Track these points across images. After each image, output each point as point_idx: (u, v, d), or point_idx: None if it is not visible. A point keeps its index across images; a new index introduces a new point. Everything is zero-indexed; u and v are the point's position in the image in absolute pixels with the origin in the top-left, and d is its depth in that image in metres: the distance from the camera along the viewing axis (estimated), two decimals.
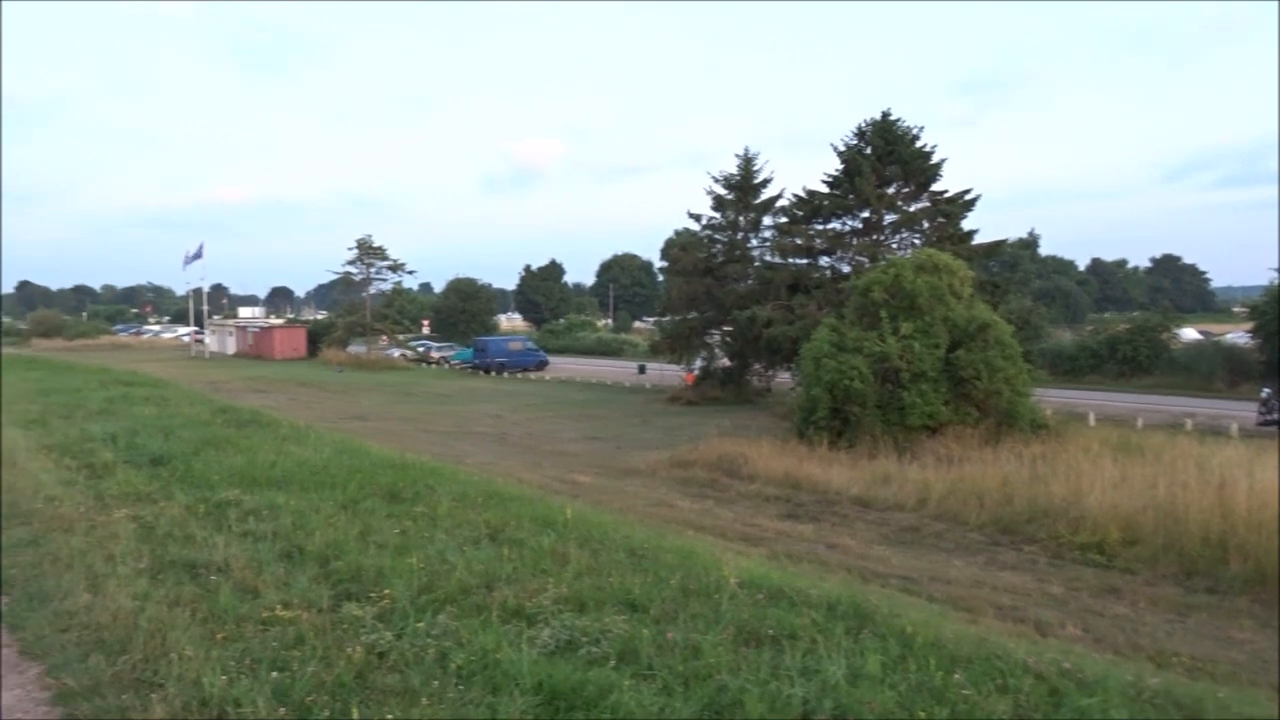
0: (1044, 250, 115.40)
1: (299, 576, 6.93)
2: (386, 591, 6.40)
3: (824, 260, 37.08)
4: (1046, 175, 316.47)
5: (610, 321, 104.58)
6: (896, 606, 6.66)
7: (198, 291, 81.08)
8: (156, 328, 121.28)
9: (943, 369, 22.54)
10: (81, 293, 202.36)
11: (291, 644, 5.53)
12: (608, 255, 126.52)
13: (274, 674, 5.07)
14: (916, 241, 34.13)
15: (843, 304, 27.12)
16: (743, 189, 40.28)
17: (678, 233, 49.63)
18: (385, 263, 65.65)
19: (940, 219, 34.36)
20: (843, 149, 35.74)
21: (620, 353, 69.16)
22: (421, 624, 5.71)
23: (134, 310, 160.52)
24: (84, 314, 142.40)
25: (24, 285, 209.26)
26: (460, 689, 4.84)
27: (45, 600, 6.72)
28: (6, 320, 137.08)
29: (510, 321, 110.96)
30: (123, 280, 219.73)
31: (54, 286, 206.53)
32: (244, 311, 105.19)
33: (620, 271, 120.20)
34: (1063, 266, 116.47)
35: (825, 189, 36.36)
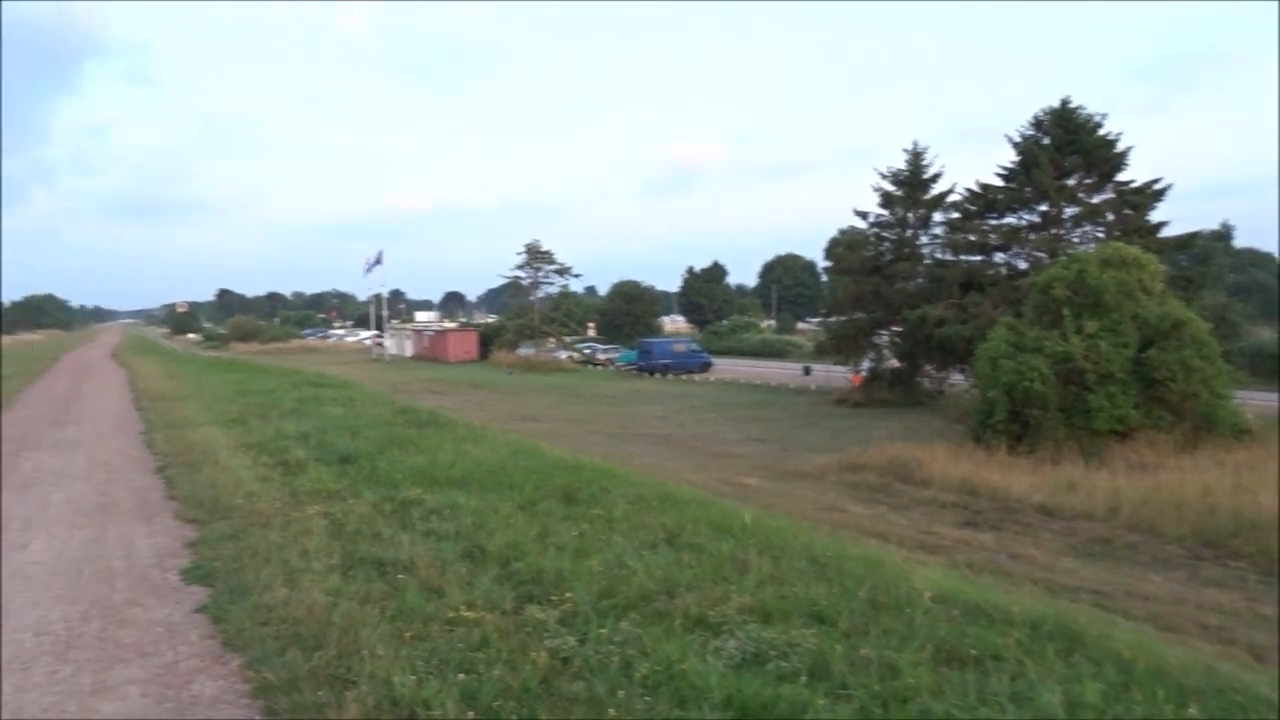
0: (1239, 242, 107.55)
1: (481, 577, 6.98)
2: (568, 595, 6.35)
3: (999, 256, 35.65)
4: (1240, 162, 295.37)
5: (773, 322, 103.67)
6: (1105, 627, 6.17)
7: (377, 297, 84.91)
8: (340, 331, 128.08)
9: (1132, 370, 21.26)
10: (274, 299, 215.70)
11: (477, 645, 5.54)
12: (770, 256, 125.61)
13: (461, 676, 5.07)
14: (1100, 235, 32.36)
15: (1020, 302, 25.99)
16: (911, 185, 39.16)
17: (842, 231, 48.59)
18: (552, 267, 67.13)
19: (1126, 211, 32.48)
20: (1018, 140, 34.28)
21: (784, 354, 68.43)
22: (604, 630, 5.62)
23: (320, 315, 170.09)
24: (276, 319, 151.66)
25: (224, 293, 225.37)
26: (647, 700, 4.72)
27: (245, 593, 6.98)
28: (208, 326, 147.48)
29: (673, 323, 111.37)
30: (310, 287, 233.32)
31: (249, 293, 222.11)
32: (420, 316, 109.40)
33: (783, 272, 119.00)
34: (1260, 259, 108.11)
35: (999, 182, 34.97)
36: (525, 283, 68.21)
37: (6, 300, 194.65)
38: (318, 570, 7.30)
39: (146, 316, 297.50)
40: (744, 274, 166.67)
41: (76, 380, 39.71)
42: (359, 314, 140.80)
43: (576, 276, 70.88)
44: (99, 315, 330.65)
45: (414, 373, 57.06)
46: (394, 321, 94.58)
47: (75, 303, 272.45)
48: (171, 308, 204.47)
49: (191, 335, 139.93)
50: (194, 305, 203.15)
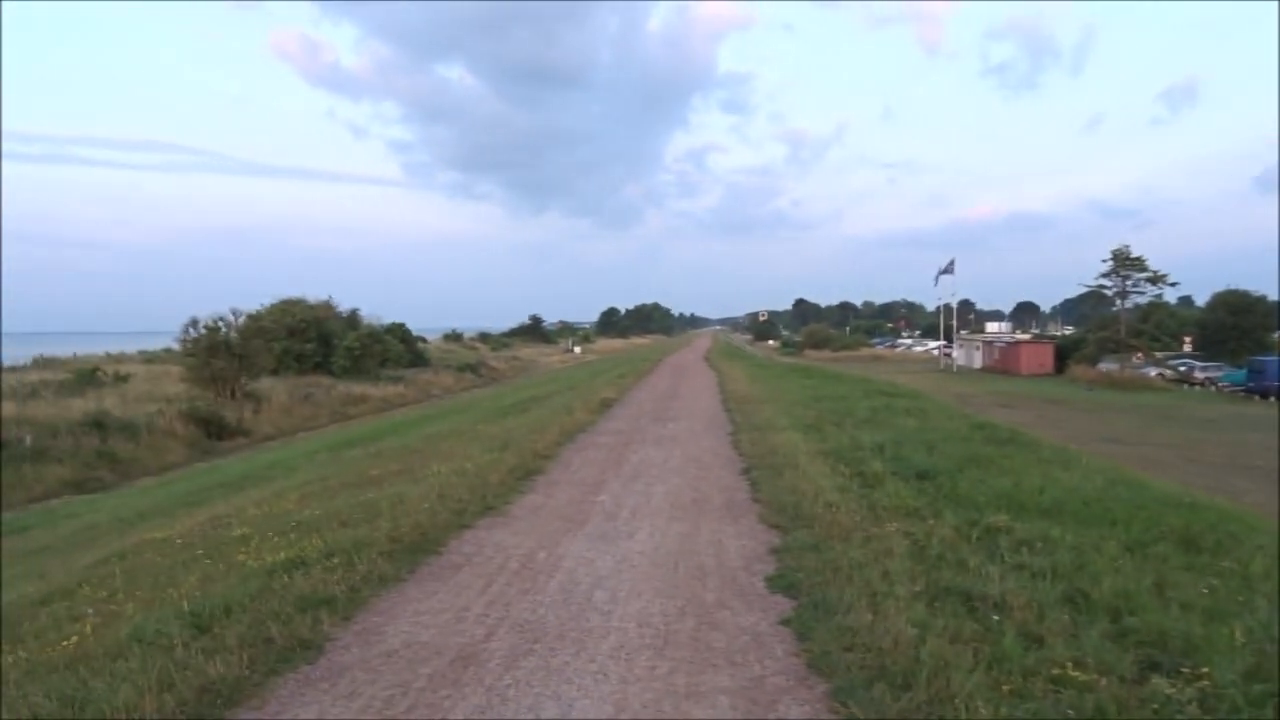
0: None
1: (1088, 629, 6.04)
2: (1203, 669, 5.24)
3: None
4: None
5: None
6: None
7: (946, 306, 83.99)
8: (908, 341, 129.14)
9: None
10: (845, 308, 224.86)
11: (1090, 716, 4.74)
12: None
13: None
14: None
15: None
16: None
17: None
18: (1143, 275, 61.32)
19: None
20: None
21: None
22: None
23: (889, 324, 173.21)
24: (847, 328, 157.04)
25: (799, 302, 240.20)
26: None
27: (828, 611, 6.74)
28: (785, 333, 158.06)
29: None
30: (880, 296, 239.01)
31: (823, 303, 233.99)
32: (989, 326, 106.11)
33: None
34: None
35: None
36: (1110, 292, 63.19)
37: (623, 308, 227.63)
38: (901, 596, 6.84)
39: (732, 324, 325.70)
40: None
41: (675, 380, 44.17)
42: (927, 324, 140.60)
43: (1172, 285, 63.92)
44: (694, 322, 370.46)
45: (982, 385, 55.21)
46: (963, 332, 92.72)
47: (676, 310, 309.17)
48: (754, 315, 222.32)
49: (770, 342, 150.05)
50: (773, 314, 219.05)
